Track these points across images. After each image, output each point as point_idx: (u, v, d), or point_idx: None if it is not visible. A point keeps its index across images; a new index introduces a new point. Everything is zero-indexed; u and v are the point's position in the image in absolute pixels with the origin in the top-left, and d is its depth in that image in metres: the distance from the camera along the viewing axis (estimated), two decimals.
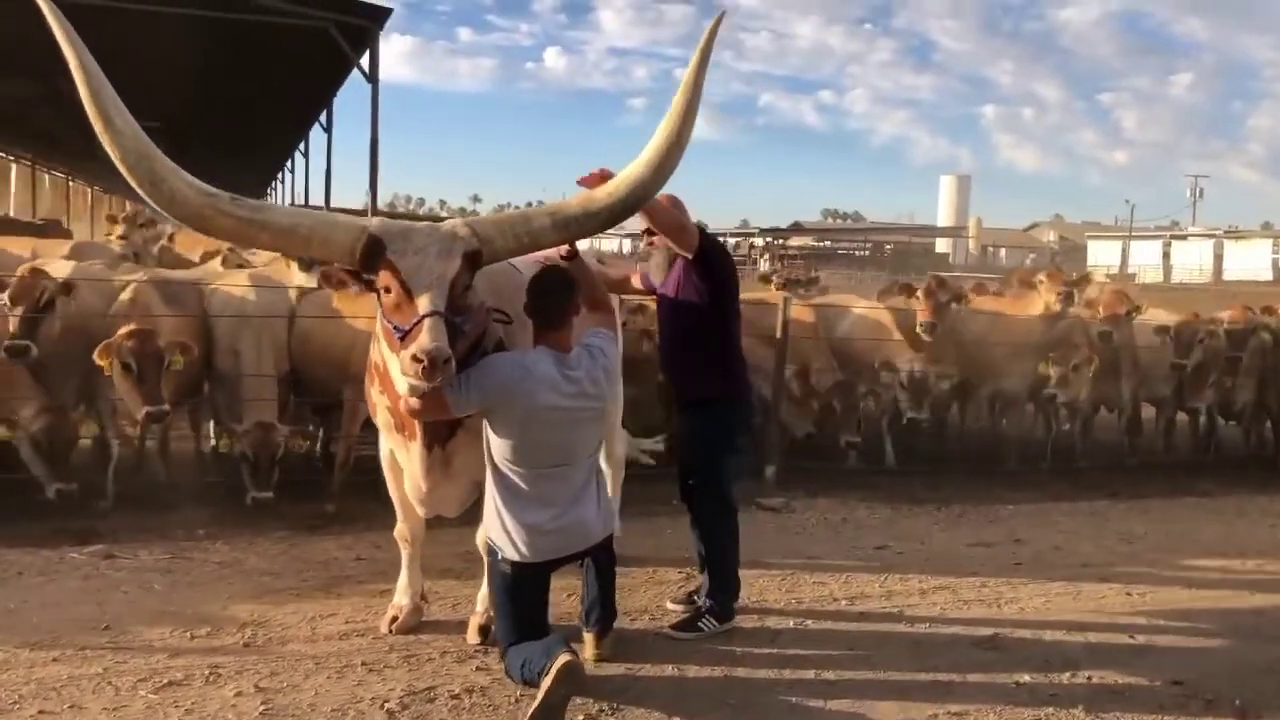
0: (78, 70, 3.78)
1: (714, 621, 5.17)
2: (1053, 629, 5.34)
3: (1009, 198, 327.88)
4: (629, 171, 4.33)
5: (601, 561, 4.77)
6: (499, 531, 4.34)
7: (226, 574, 5.74)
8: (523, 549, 4.31)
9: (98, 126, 3.80)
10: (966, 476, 8.84)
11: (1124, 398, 9.63)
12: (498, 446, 4.26)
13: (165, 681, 4.36)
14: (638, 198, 4.38)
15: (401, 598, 5.09)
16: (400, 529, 5.03)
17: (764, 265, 48.87)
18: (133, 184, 3.90)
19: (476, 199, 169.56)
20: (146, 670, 4.46)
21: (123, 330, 6.42)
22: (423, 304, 3.78)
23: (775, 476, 8.19)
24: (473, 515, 4.93)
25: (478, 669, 4.62)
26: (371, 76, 12.79)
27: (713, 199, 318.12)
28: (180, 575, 5.69)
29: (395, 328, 3.88)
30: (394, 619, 5.01)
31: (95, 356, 6.30)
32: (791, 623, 5.33)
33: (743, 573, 5.97)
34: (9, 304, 6.44)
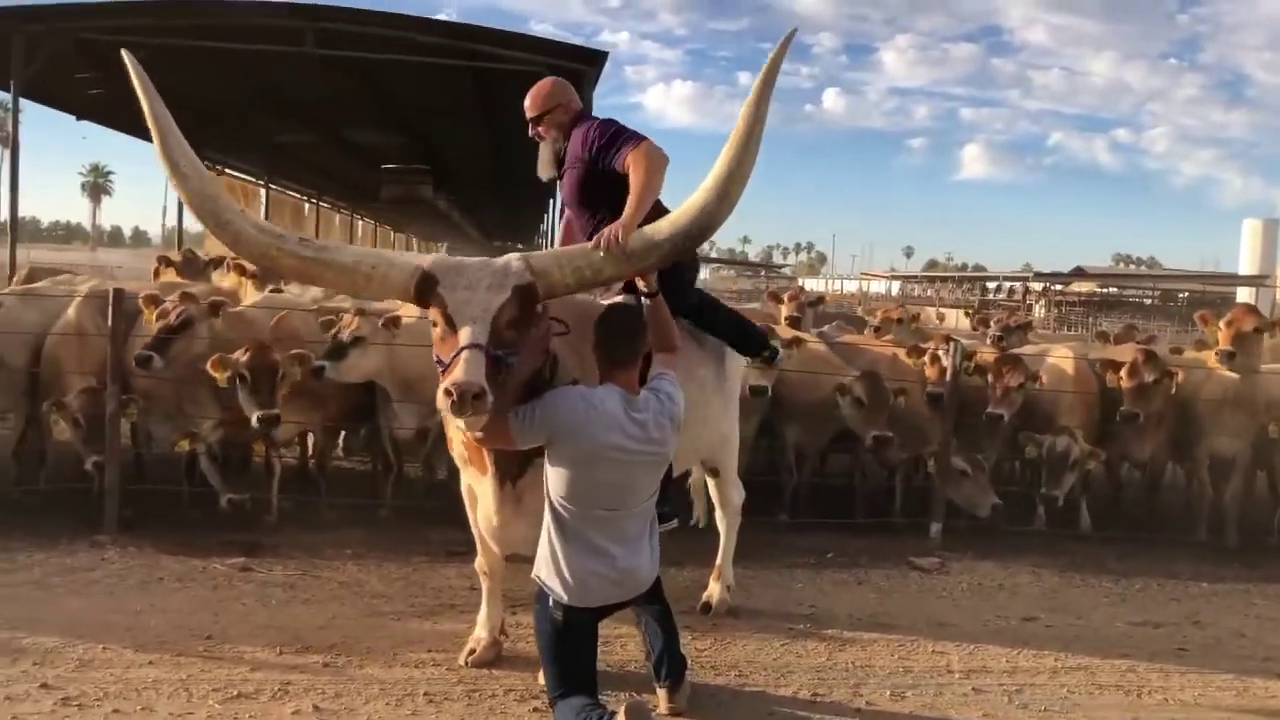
0: (150, 119, 4.07)
1: None
2: None
3: None
4: (692, 201, 4.20)
5: (656, 611, 4.60)
6: (551, 573, 4.18)
7: (342, 594, 5.93)
8: (575, 592, 4.15)
9: (166, 171, 4.08)
10: (1172, 548, 7.94)
11: None
12: (554, 481, 4.13)
13: (235, 693, 4.54)
14: (701, 228, 4.23)
15: (481, 630, 5.09)
16: (479, 562, 5.04)
17: (1039, 311, 46.37)
18: (201, 224, 4.19)
19: (746, 240, 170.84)
20: (224, 681, 4.65)
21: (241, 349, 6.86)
22: (462, 336, 3.77)
23: (941, 535, 7.64)
24: None
25: (535, 710, 4.55)
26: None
27: (994, 240, 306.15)
28: (300, 592, 5.92)
29: (438, 360, 3.89)
30: (471, 651, 5.01)
31: (208, 368, 6.72)
32: (888, 693, 4.93)
33: (858, 635, 5.69)
34: (153, 320, 7.03)
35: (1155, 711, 4.87)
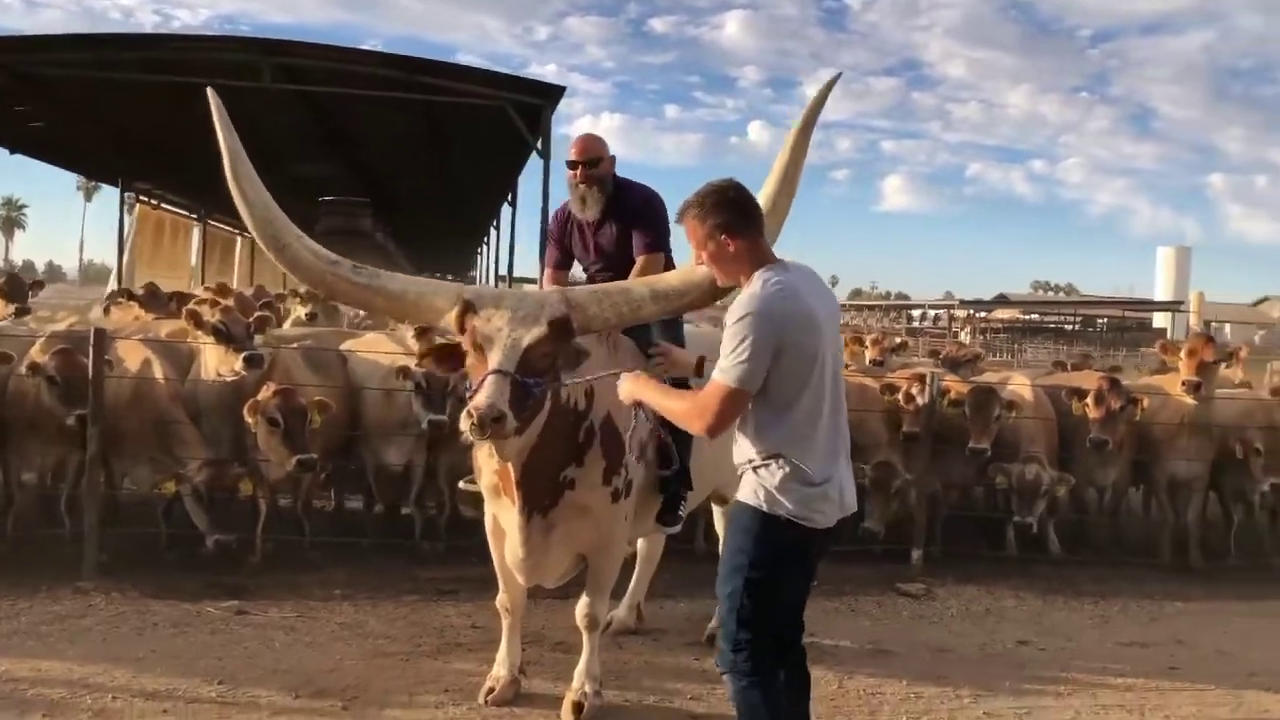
0: (224, 147, 4.19)
1: None
2: None
3: (1238, 271, 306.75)
4: None
5: None
6: (779, 481, 3.58)
7: (344, 635, 5.87)
8: (806, 506, 3.58)
9: (234, 196, 4.22)
10: (1139, 569, 8.19)
11: None
12: (777, 391, 3.58)
13: None
14: None
15: (500, 669, 5.08)
16: (501, 598, 5.04)
17: (965, 338, 47.31)
18: (262, 247, 4.31)
19: None
20: None
21: (267, 390, 6.79)
22: (490, 361, 3.83)
23: (921, 560, 7.80)
24: (579, 585, 4.91)
25: None
26: (543, 153, 13.20)
27: (916, 270, 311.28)
28: (301, 634, 5.84)
29: (468, 386, 3.97)
30: (490, 690, 5.00)
31: (245, 413, 6.66)
32: (904, 717, 5.02)
33: (862, 662, 5.80)
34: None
35: None
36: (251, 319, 7.40)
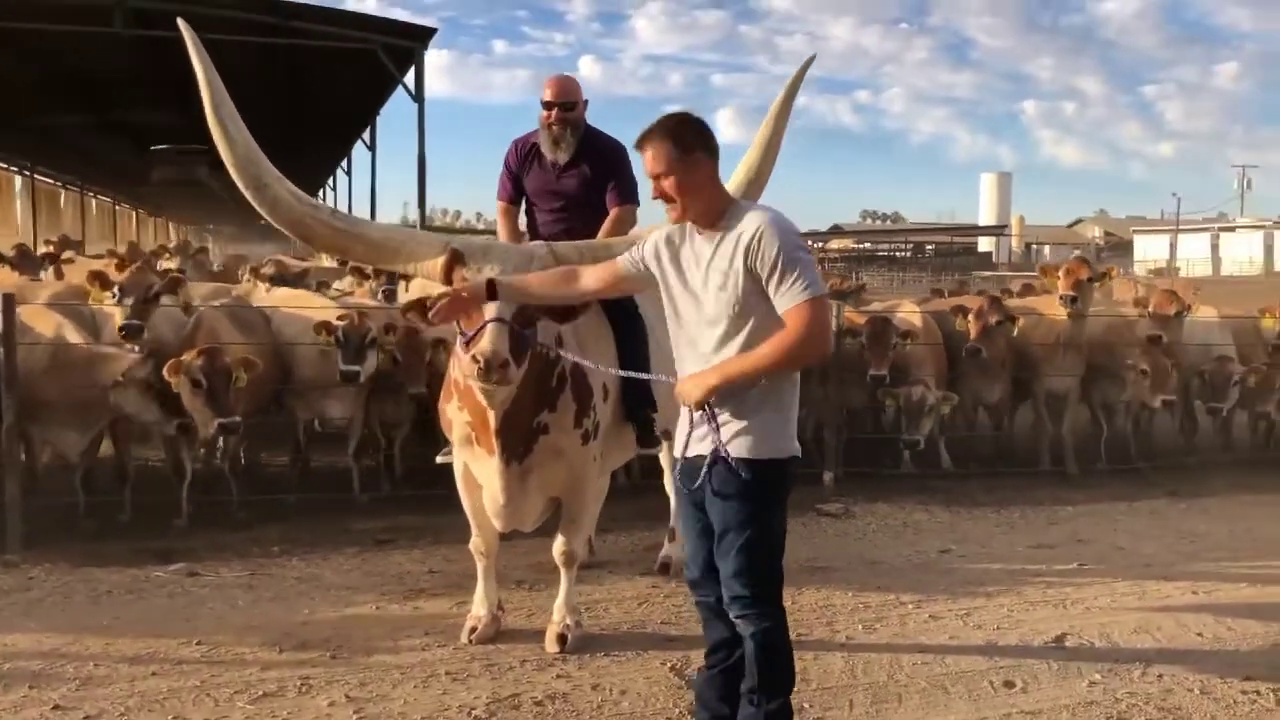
0: (204, 85, 4.22)
1: None
2: (1120, 629, 5.40)
3: (1052, 194, 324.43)
4: None
5: None
6: (776, 424, 3.55)
7: (305, 589, 5.89)
8: (792, 441, 3.65)
9: (215, 134, 4.21)
10: (1024, 478, 8.87)
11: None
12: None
13: (260, 693, 4.51)
14: None
15: (479, 608, 5.23)
16: (475, 542, 5.16)
17: None
18: (240, 186, 4.28)
19: None
20: (242, 683, 4.62)
21: (191, 350, 6.67)
22: (489, 310, 3.91)
23: (833, 482, 8.26)
24: (547, 526, 5.10)
25: (558, 676, 4.74)
26: (417, 95, 13.01)
27: None
28: (262, 591, 5.85)
29: (462, 333, 4.05)
30: (473, 629, 5.15)
31: (165, 373, 6.52)
32: (860, 627, 5.41)
33: (807, 577, 6.15)
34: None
35: (1083, 618, 5.56)
36: (160, 281, 7.17)
